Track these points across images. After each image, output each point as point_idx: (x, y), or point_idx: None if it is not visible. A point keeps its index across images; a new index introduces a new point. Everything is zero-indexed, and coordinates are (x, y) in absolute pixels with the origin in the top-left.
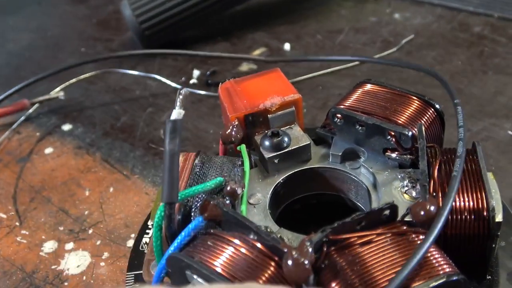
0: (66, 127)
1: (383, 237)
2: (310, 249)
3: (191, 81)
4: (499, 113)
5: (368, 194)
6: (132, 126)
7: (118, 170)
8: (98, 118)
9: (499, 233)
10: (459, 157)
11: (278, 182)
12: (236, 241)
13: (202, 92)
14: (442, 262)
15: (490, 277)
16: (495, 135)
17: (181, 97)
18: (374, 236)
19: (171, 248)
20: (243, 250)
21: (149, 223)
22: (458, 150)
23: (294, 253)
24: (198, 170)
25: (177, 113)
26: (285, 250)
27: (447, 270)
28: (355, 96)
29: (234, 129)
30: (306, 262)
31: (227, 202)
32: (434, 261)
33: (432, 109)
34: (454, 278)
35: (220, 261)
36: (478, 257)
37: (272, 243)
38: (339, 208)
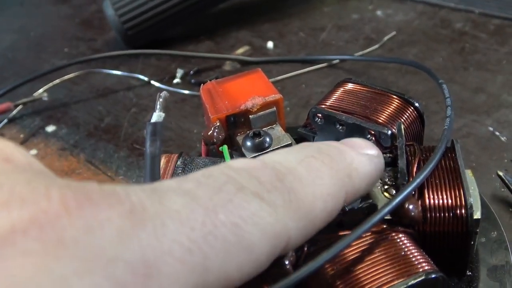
0: (50, 128)
1: (365, 236)
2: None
3: (175, 81)
4: (480, 110)
5: None
6: (116, 127)
7: (102, 171)
8: (82, 119)
9: (477, 230)
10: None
11: None
12: None
13: (186, 92)
14: (420, 260)
15: (470, 273)
16: (476, 131)
17: (161, 100)
18: (353, 235)
19: None
20: None
21: None
22: (445, 124)
23: None
24: (180, 171)
25: (157, 116)
26: None
27: (426, 268)
28: (335, 95)
29: (216, 130)
30: (287, 262)
31: None
32: (413, 259)
33: (412, 108)
34: (433, 276)
35: None
36: (457, 254)
37: None
38: None
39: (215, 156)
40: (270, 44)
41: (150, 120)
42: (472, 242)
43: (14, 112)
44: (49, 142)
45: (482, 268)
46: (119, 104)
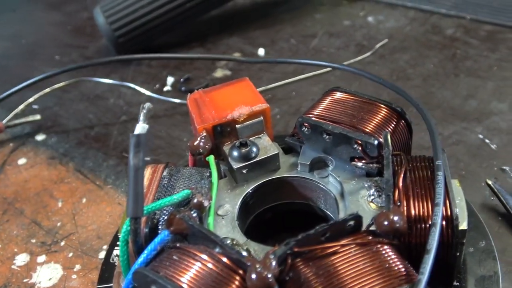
0: (40, 137)
1: (347, 247)
2: (274, 262)
3: (165, 88)
4: (470, 117)
5: (335, 203)
6: (106, 135)
7: (91, 180)
8: (72, 128)
9: (464, 241)
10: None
11: (247, 193)
12: (202, 255)
13: (176, 100)
14: (404, 272)
15: (458, 283)
16: (466, 139)
17: (144, 111)
18: (339, 247)
19: (137, 262)
20: (208, 264)
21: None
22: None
23: (257, 266)
24: (166, 182)
25: (140, 128)
26: (249, 264)
27: (409, 280)
28: (323, 104)
29: (202, 140)
30: (270, 275)
31: (194, 214)
32: (397, 271)
33: (400, 116)
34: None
35: (185, 276)
36: (443, 265)
37: (236, 257)
38: (309, 216)
39: (202, 166)
40: (261, 51)
41: (133, 132)
42: (458, 253)
43: (4, 121)
44: (39, 151)
45: (470, 278)
46: (109, 112)
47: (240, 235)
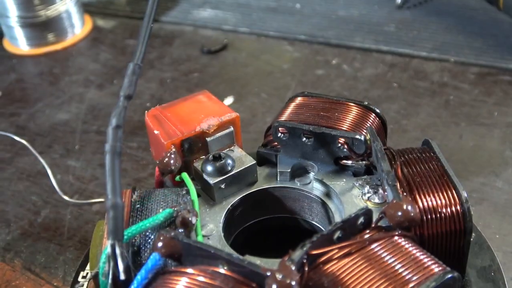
0: None
1: (367, 244)
2: (293, 268)
3: None
4: (485, 171)
5: (325, 208)
6: (57, 221)
7: (46, 280)
8: (12, 214)
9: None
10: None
11: (228, 209)
12: (207, 276)
13: None
14: (434, 261)
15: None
16: (488, 196)
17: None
18: (356, 245)
19: None
20: (217, 284)
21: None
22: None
23: (277, 275)
24: (139, 206)
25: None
26: (268, 273)
27: (442, 268)
28: (292, 110)
29: (172, 156)
30: (293, 283)
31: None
32: (426, 260)
33: (374, 114)
34: (450, 275)
35: None
36: (455, 254)
37: (250, 269)
38: (296, 228)
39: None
40: (228, 101)
41: None
42: (471, 238)
43: None
44: None
45: (471, 270)
46: (57, 191)
47: (233, 252)
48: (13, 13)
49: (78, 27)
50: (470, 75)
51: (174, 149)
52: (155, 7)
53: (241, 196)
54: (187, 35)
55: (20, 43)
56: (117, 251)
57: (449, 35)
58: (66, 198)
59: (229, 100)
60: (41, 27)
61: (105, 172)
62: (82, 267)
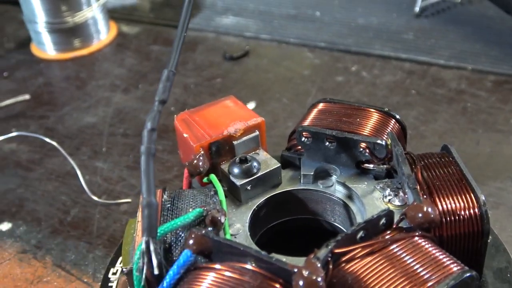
0: (5, 226)
1: (388, 244)
2: (319, 265)
3: None
4: (502, 176)
5: (347, 210)
6: (86, 220)
7: (77, 277)
8: (43, 213)
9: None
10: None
11: (254, 210)
12: (236, 271)
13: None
14: (452, 261)
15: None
16: (505, 200)
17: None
18: (378, 245)
19: None
20: (245, 280)
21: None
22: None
23: (304, 271)
24: (169, 205)
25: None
26: (295, 270)
27: (460, 267)
28: (315, 115)
29: (201, 158)
30: (319, 279)
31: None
32: (445, 260)
33: (394, 120)
34: (469, 274)
35: None
36: (474, 255)
37: (277, 265)
38: (315, 232)
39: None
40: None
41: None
42: (488, 240)
43: None
44: (5, 244)
45: (488, 272)
46: (86, 192)
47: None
48: (41, 19)
49: (104, 33)
50: (487, 82)
51: (202, 152)
52: (189, 16)
53: (266, 197)
54: (210, 41)
55: (47, 48)
56: (151, 247)
57: (466, 43)
58: (94, 198)
59: (251, 105)
60: (68, 33)
61: (141, 172)
62: (112, 264)
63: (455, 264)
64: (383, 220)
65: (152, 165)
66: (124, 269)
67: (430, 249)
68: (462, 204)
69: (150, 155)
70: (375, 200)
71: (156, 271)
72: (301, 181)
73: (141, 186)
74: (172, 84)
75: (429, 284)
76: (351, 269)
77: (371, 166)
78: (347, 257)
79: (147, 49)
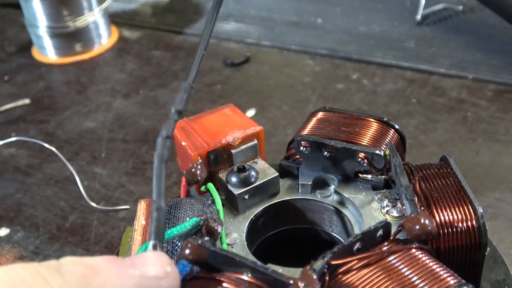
0: (2, 232)
1: (385, 256)
2: (315, 277)
3: None
4: (501, 186)
5: (345, 220)
6: (84, 226)
7: None
8: (41, 218)
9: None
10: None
11: (251, 219)
12: (232, 282)
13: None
14: (449, 274)
15: None
16: (503, 212)
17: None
18: (375, 257)
19: None
20: None
21: None
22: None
23: (300, 283)
24: (167, 214)
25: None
26: (291, 282)
27: (457, 280)
28: (313, 124)
29: (199, 167)
30: None
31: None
32: (442, 273)
33: (393, 130)
34: (465, 287)
35: None
36: (471, 267)
37: (273, 277)
38: (313, 241)
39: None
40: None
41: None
42: (486, 252)
43: None
44: (3, 250)
45: (485, 284)
46: (84, 197)
47: (256, 260)
48: (42, 23)
49: (105, 38)
50: (487, 92)
51: (200, 160)
52: (210, 34)
53: (264, 206)
54: (211, 47)
55: (48, 52)
56: (158, 250)
57: (467, 52)
58: (93, 204)
59: (251, 112)
60: (69, 37)
61: (153, 176)
62: None
63: (452, 277)
64: (380, 232)
65: (164, 170)
66: None
67: (427, 261)
68: (459, 216)
69: (162, 161)
70: (372, 210)
71: None
72: (299, 191)
73: (153, 190)
74: (189, 96)
75: None
76: (347, 281)
77: (369, 176)
78: (343, 268)
79: (148, 54)
